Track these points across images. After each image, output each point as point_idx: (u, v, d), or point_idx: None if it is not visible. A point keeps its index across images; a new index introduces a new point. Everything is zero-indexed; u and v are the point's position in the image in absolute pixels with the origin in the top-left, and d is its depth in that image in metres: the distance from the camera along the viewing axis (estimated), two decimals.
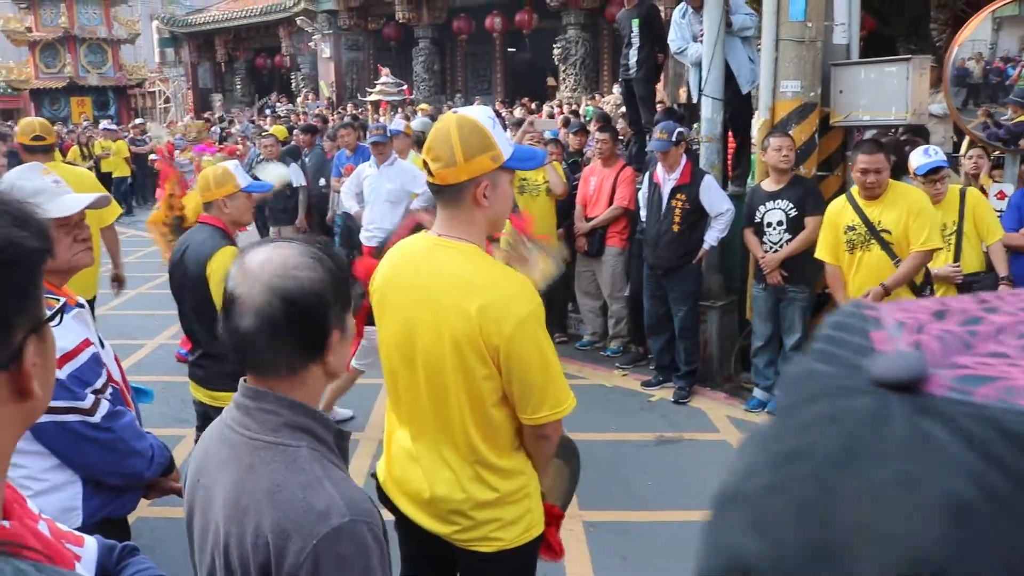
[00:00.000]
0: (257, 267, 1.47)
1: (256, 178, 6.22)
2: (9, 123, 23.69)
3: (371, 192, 7.41)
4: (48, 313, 0.98)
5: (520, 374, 2.16)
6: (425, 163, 2.22)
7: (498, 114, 8.44)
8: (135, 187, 18.53)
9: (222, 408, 3.90)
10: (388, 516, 2.54)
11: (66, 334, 2.37)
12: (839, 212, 4.99)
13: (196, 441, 4.40)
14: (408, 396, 2.35)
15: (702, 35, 6.61)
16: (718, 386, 6.63)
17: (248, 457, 1.49)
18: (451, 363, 2.18)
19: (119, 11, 29.34)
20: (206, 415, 4.14)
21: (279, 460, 1.46)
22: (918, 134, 6.60)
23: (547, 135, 8.03)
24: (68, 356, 2.34)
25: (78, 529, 2.38)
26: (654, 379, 6.71)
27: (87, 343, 2.43)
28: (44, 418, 2.27)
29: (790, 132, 5.88)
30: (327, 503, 1.40)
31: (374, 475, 2.63)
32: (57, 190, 2.55)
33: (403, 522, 2.50)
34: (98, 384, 2.44)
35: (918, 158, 5.26)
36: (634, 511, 4.71)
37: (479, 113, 2.23)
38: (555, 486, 2.65)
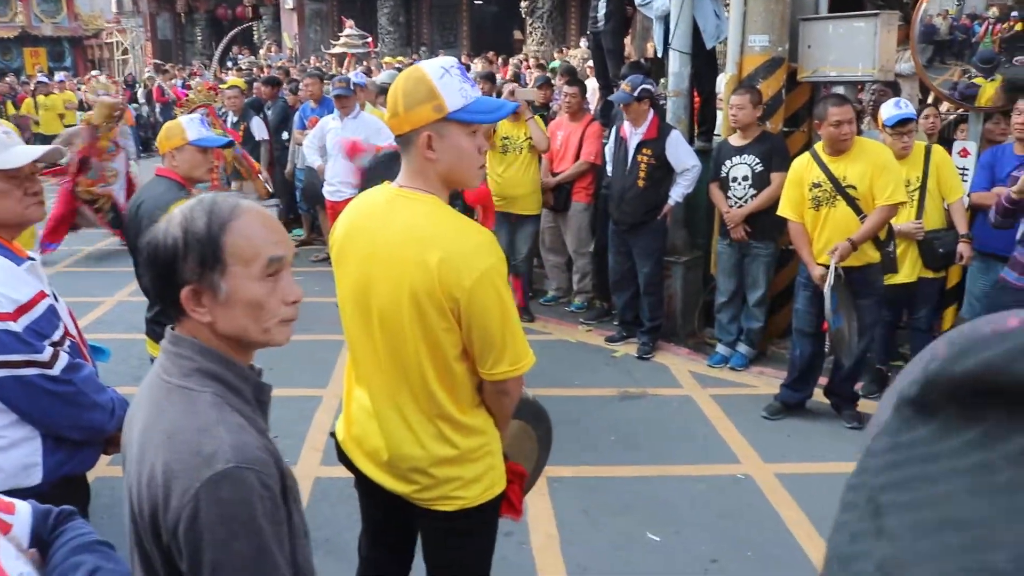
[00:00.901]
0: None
1: None
2: None
3: (334, 145, 7.28)
4: None
5: (480, 328, 2.13)
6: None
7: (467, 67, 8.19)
8: None
9: None
10: (345, 474, 2.54)
11: (20, 286, 2.31)
12: (803, 169, 4.97)
13: None
14: (366, 352, 2.32)
15: None
16: (682, 342, 6.65)
17: (159, 399, 1.52)
18: (409, 316, 2.15)
19: None
20: None
21: (181, 403, 1.48)
22: (891, 90, 6.60)
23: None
24: (24, 308, 2.29)
25: (38, 486, 2.35)
26: (618, 334, 6.71)
27: (42, 295, 2.37)
28: (1, 372, 2.21)
29: (757, 87, 5.84)
30: (215, 448, 1.40)
31: (333, 434, 2.61)
32: (7, 141, 2.46)
33: (363, 482, 2.47)
34: (55, 336, 2.38)
35: (888, 109, 5.25)
36: (597, 466, 4.73)
37: (431, 64, 2.18)
38: (519, 447, 2.62)
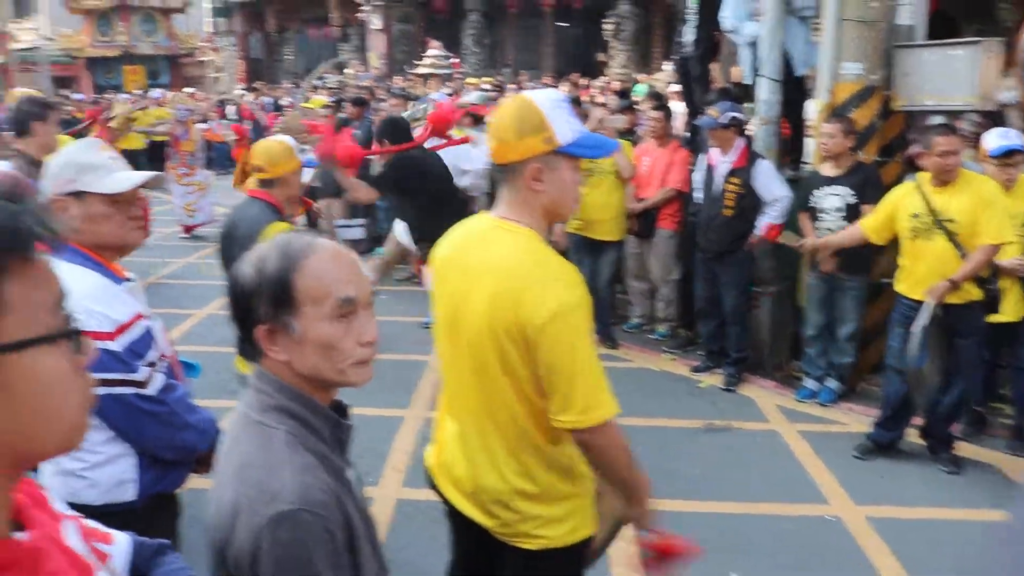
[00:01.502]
0: None
1: None
2: (64, 91, 24.06)
3: None
4: (24, 339, 0.85)
5: (546, 367, 2.08)
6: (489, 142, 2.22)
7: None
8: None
9: None
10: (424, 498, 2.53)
11: (119, 306, 2.36)
12: (903, 197, 4.83)
13: None
14: (454, 379, 2.33)
15: (759, 14, 6.42)
16: (768, 374, 6.51)
17: (238, 432, 1.55)
18: (492, 348, 2.14)
19: None
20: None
21: (256, 438, 1.50)
22: (993, 120, 6.35)
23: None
24: (122, 328, 2.34)
25: (133, 503, 2.40)
26: (703, 364, 6.61)
27: (139, 316, 2.42)
28: (99, 390, 2.26)
29: (850, 115, 5.71)
30: (279, 488, 1.41)
31: (424, 460, 2.60)
32: (112, 166, 2.51)
33: (451, 510, 2.46)
34: (151, 357, 2.42)
35: (994, 140, 5.02)
36: (680, 500, 4.63)
37: (543, 95, 2.18)
38: (607, 503, 2.48)
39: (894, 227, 4.90)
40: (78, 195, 2.39)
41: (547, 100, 2.15)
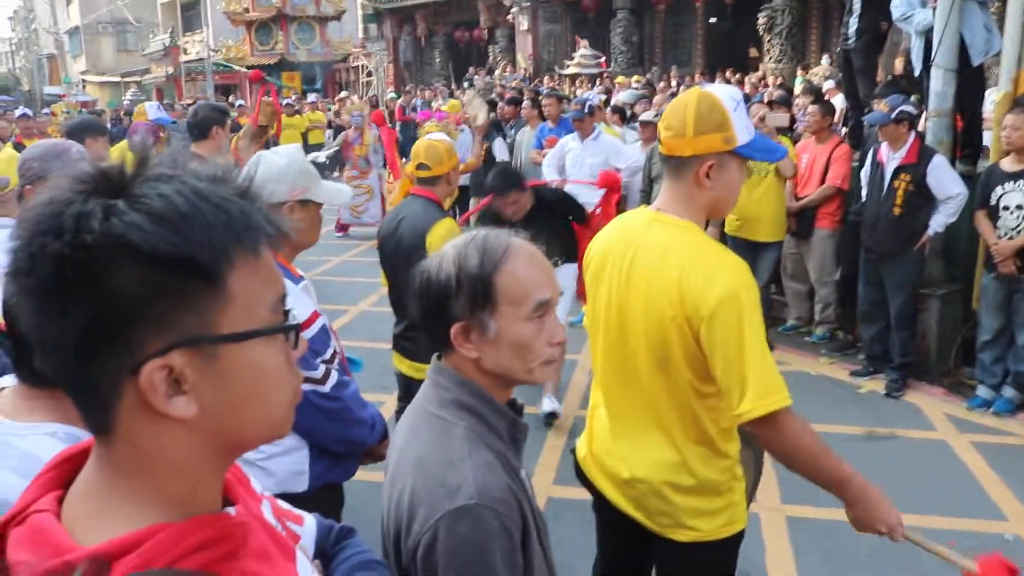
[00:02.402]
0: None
1: None
2: (229, 99, 25.39)
3: (573, 166, 7.35)
4: (245, 331, 0.87)
5: (721, 356, 2.02)
6: (659, 131, 2.19)
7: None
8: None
9: (422, 380, 3.94)
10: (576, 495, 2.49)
11: (299, 305, 2.46)
12: None
13: (396, 411, 4.52)
14: (614, 372, 2.31)
15: (935, 0, 6.08)
16: (935, 380, 6.15)
17: (416, 426, 1.57)
18: (658, 339, 2.12)
19: None
20: (408, 386, 4.22)
21: (435, 432, 1.51)
22: None
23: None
24: (302, 327, 2.41)
25: (303, 493, 2.48)
26: (864, 369, 6.32)
27: (316, 314, 2.51)
28: None
29: None
30: (459, 482, 1.41)
31: (573, 451, 2.60)
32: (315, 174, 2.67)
33: (601, 503, 2.44)
34: (328, 354, 2.51)
35: None
36: (839, 508, 4.39)
37: (724, 92, 2.15)
38: (745, 473, 2.48)
39: None
40: (304, 202, 2.54)
41: (730, 98, 2.12)
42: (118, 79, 46.45)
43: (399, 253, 3.93)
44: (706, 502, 2.24)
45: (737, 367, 2.01)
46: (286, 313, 0.94)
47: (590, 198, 6.29)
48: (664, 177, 2.23)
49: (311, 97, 21.19)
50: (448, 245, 1.56)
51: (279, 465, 2.47)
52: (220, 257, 0.84)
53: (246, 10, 29.80)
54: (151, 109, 9.74)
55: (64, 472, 0.92)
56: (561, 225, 5.56)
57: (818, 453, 2.09)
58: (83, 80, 47.23)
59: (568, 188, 7.39)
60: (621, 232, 2.32)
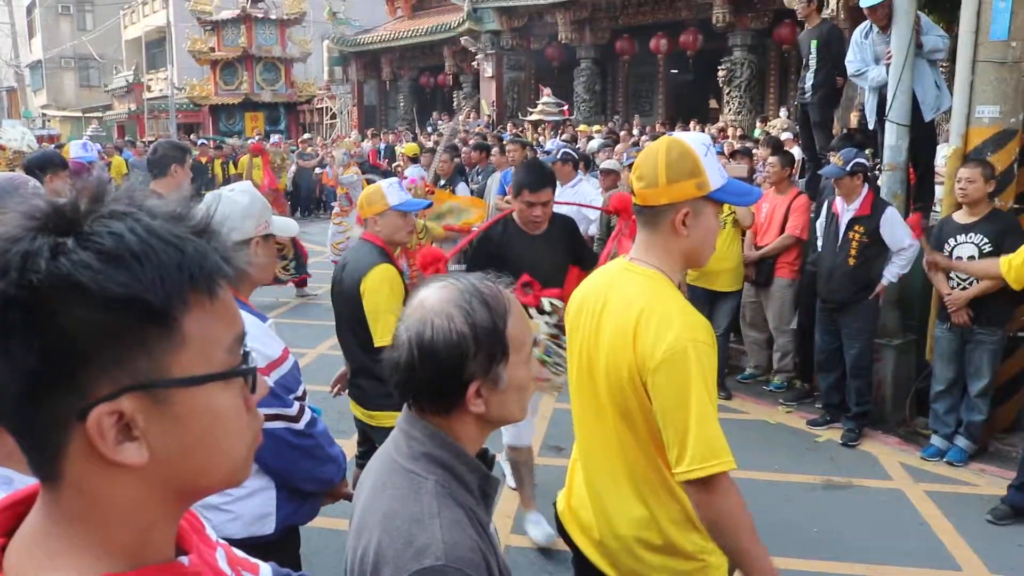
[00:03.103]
0: (417, 304, 1.50)
1: None
2: (192, 136, 25.26)
3: None
4: (199, 375, 0.84)
5: (661, 413, 1.99)
6: (630, 182, 2.18)
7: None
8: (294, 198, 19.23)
9: (377, 427, 3.90)
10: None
11: (271, 343, 2.44)
12: None
13: (356, 455, 4.45)
14: (586, 424, 2.29)
15: (888, 57, 6.24)
16: (891, 430, 6.21)
17: (384, 477, 1.51)
18: (619, 392, 2.09)
19: (293, 31, 30.74)
20: (363, 431, 4.17)
21: (404, 487, 1.46)
22: None
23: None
24: (275, 364, 2.41)
25: (269, 536, 2.43)
26: (821, 418, 6.36)
27: (287, 351, 2.49)
28: None
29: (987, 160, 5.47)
30: (427, 541, 1.36)
31: (555, 504, 2.55)
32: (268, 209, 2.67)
33: (578, 557, 2.39)
34: (299, 391, 2.49)
35: None
36: (798, 559, 4.43)
37: (693, 138, 2.14)
38: None
39: None
40: (266, 237, 2.53)
41: (700, 144, 2.11)
42: (79, 114, 46.11)
43: (341, 298, 3.91)
44: (677, 563, 2.17)
45: (679, 425, 1.96)
46: (245, 355, 0.91)
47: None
48: (639, 228, 2.20)
49: (274, 138, 21.13)
50: (442, 303, 1.47)
51: (245, 508, 2.43)
52: (173, 298, 0.81)
53: (212, 49, 29.72)
54: (75, 147, 9.04)
55: (7, 519, 0.88)
56: (566, 264, 4.62)
57: (743, 523, 2.00)
58: (44, 114, 46.77)
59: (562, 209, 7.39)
60: (596, 283, 2.31)
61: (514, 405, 1.52)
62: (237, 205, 2.51)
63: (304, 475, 2.50)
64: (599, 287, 2.26)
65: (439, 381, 1.46)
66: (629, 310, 2.07)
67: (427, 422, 1.50)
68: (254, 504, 2.43)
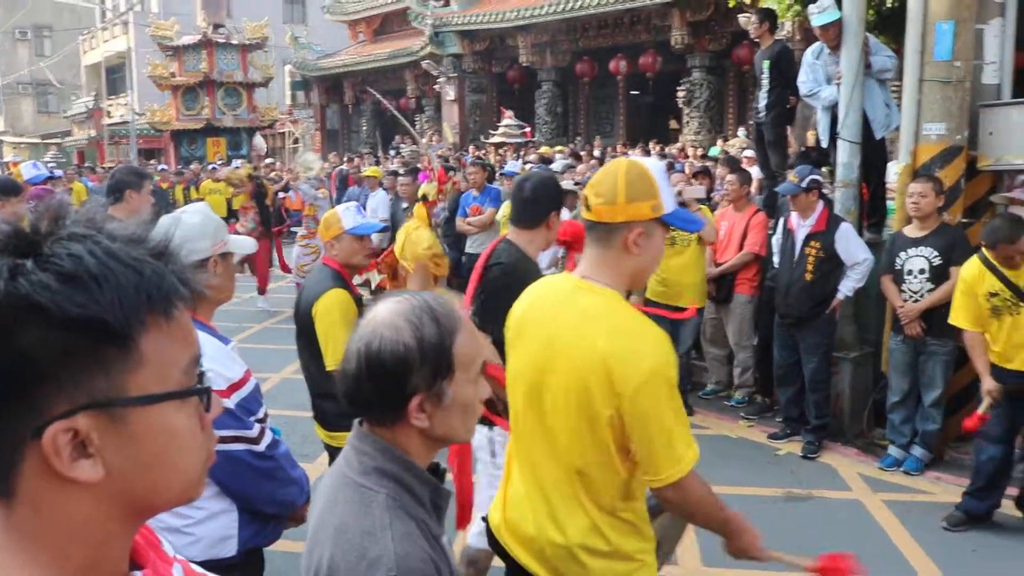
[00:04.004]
0: (369, 318, 1.53)
1: None
2: (152, 162, 25.03)
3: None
4: (155, 393, 0.86)
5: (641, 432, 2.08)
6: (586, 198, 2.21)
7: (600, 158, 8.42)
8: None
9: (338, 447, 3.89)
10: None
11: (232, 365, 2.45)
12: (976, 278, 4.73)
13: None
14: (529, 435, 2.31)
15: (839, 77, 6.39)
16: (849, 442, 6.32)
17: (336, 492, 1.53)
18: (577, 404, 2.13)
19: (255, 56, 30.54)
20: (331, 452, 4.18)
21: (355, 501, 1.48)
22: None
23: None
24: (236, 386, 2.41)
25: (231, 559, 2.42)
26: (781, 432, 6.45)
27: (249, 373, 2.49)
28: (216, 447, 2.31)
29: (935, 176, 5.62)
30: (379, 553, 1.39)
31: (485, 519, 2.56)
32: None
33: (515, 569, 2.40)
34: (260, 413, 2.49)
35: None
36: (761, 571, 4.46)
37: (652, 163, 2.23)
38: (668, 534, 2.54)
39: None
40: (224, 255, 2.54)
41: (656, 168, 2.20)
42: (38, 140, 45.52)
43: (300, 322, 3.92)
44: (619, 565, 2.24)
45: (658, 439, 2.07)
46: (201, 375, 0.93)
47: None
48: (589, 244, 2.25)
49: (236, 163, 21.00)
50: (392, 315, 1.50)
51: (206, 530, 2.41)
52: (131, 319, 0.82)
53: (173, 74, 29.46)
54: (26, 168, 8.62)
55: None
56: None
57: (712, 502, 2.19)
58: (1, 141, 46.13)
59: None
60: (541, 297, 2.34)
61: (458, 423, 1.54)
62: (194, 227, 2.53)
63: (265, 497, 2.49)
64: (546, 303, 2.30)
65: (383, 391, 1.48)
66: (594, 330, 2.12)
67: (376, 436, 1.53)
68: (215, 526, 2.42)
